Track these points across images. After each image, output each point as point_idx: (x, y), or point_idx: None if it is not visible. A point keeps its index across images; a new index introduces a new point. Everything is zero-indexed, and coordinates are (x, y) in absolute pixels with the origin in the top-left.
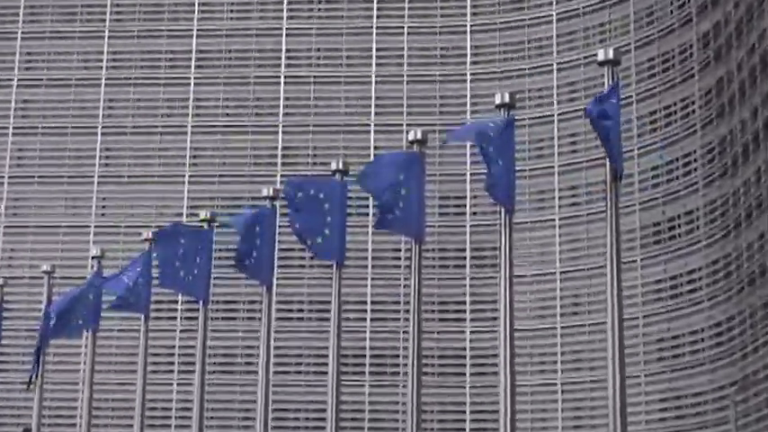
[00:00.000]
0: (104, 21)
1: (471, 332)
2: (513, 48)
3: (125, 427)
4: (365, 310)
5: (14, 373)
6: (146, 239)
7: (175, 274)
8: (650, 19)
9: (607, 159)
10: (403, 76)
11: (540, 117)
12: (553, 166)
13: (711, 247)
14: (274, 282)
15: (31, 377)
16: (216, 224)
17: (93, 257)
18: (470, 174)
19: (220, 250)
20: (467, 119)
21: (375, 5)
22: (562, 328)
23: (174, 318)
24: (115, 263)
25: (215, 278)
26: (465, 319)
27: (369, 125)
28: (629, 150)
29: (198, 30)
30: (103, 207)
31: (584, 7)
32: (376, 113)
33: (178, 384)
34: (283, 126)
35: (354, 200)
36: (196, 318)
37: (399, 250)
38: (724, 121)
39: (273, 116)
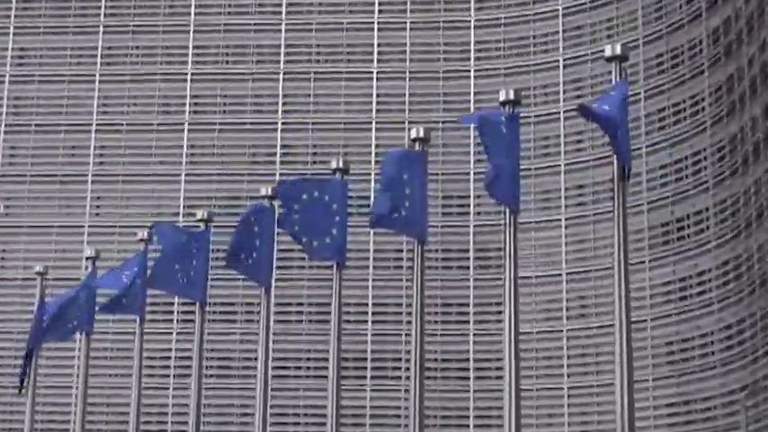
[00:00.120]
0: (99, 15)
1: (475, 335)
2: (517, 43)
3: None
4: (366, 313)
5: (7, 377)
6: (141, 239)
7: (170, 275)
8: (659, 14)
9: (614, 158)
10: (405, 72)
11: (545, 114)
12: (559, 165)
13: (721, 247)
14: (273, 283)
15: (22, 381)
16: (213, 224)
17: (87, 258)
18: (474, 173)
19: (218, 251)
20: None
21: (377, 0)
22: (568, 330)
23: (171, 320)
24: (110, 263)
25: (212, 279)
26: (468, 322)
27: (370, 122)
28: (637, 148)
29: (195, 25)
30: (98, 206)
31: (590, 2)
32: (377, 111)
33: (174, 388)
34: (282, 123)
35: (355, 199)
36: (193, 320)
37: (401, 251)
38: (734, 118)
39: (272, 113)
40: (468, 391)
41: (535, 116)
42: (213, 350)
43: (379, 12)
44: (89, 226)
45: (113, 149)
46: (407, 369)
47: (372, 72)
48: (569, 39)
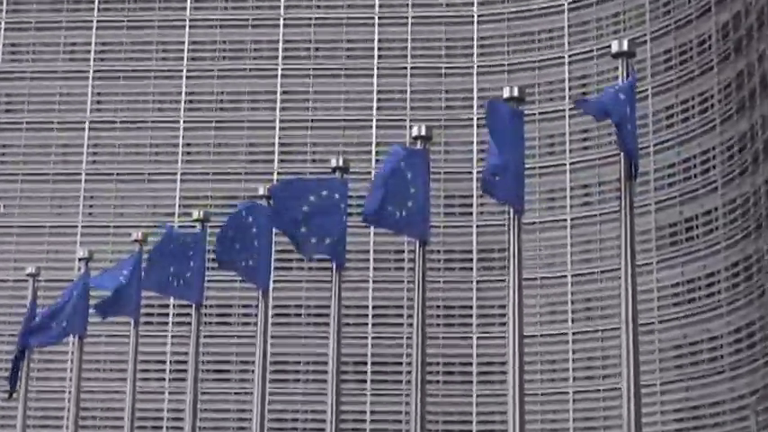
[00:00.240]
0: (92, 10)
1: (478, 338)
2: (522, 39)
3: None
4: (366, 315)
5: None
6: (136, 240)
7: (165, 276)
8: (667, 9)
9: (621, 156)
10: (406, 68)
11: (550, 112)
12: (564, 164)
13: (731, 248)
14: (271, 285)
15: (13, 386)
16: (210, 224)
17: (80, 259)
18: (477, 172)
19: (214, 251)
20: (473, 114)
21: None
22: (573, 333)
23: (166, 323)
24: (103, 265)
25: (208, 281)
26: (471, 325)
27: (370, 120)
28: (645, 147)
29: (191, 20)
30: (91, 206)
31: None
32: (378, 108)
33: (169, 393)
34: (280, 121)
35: (355, 199)
36: (188, 323)
37: (402, 252)
38: (744, 116)
39: (270, 111)
40: (471, 395)
41: (540, 113)
42: (209, 354)
43: (380, 6)
44: (82, 226)
45: (107, 147)
46: (409, 373)
47: (373, 68)
48: (575, 34)
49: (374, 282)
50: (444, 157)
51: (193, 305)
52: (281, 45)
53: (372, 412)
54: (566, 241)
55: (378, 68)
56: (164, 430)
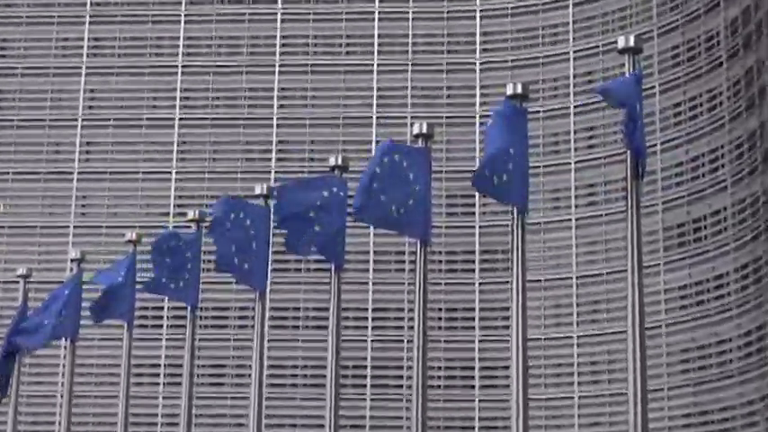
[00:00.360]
0: (85, 5)
1: (480, 341)
2: (525, 34)
3: None
4: (366, 318)
5: None
6: (130, 241)
7: (162, 278)
8: (674, 4)
9: (628, 155)
10: (407, 64)
11: (554, 109)
12: (569, 163)
13: (740, 250)
14: (268, 287)
15: (2, 391)
16: (205, 224)
17: (72, 260)
18: None
19: (209, 253)
20: (476, 111)
21: None
22: (579, 337)
23: (160, 326)
24: (96, 266)
25: (204, 283)
26: (474, 328)
27: (370, 117)
28: (652, 145)
29: (186, 14)
30: (83, 206)
31: None
32: (378, 105)
33: (164, 398)
34: (278, 119)
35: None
36: (183, 326)
37: (403, 253)
38: (754, 114)
39: (267, 108)
40: (474, 400)
41: (544, 111)
42: (205, 358)
43: (380, 0)
44: (74, 226)
45: (100, 146)
46: (409, 378)
47: (373, 64)
48: (580, 30)
49: (374, 283)
50: (446, 155)
51: (188, 307)
52: (278, 40)
53: (372, 417)
54: (570, 242)
55: (378, 64)
56: None
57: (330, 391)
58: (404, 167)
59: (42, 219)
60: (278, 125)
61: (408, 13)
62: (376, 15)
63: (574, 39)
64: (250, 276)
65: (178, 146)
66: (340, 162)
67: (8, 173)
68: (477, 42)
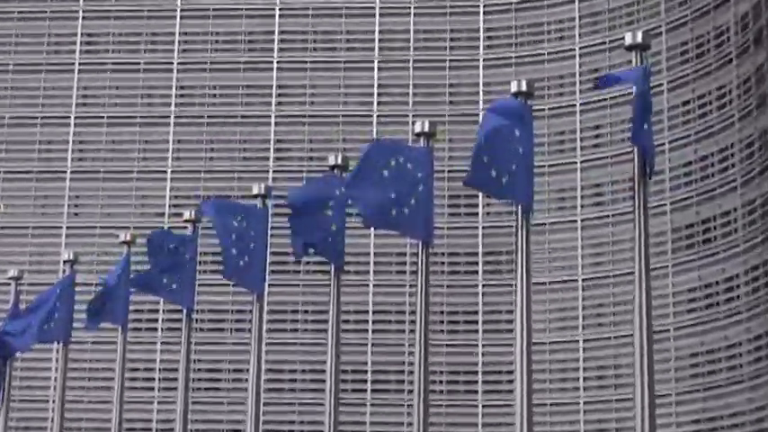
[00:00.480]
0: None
1: (484, 345)
2: (530, 30)
3: None
4: (366, 321)
5: None
6: (124, 241)
7: (157, 279)
8: None
9: (635, 154)
10: (409, 61)
11: (560, 107)
12: (575, 162)
13: (750, 251)
14: (266, 288)
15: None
16: (201, 225)
17: (65, 261)
18: None
19: (205, 254)
20: (479, 109)
21: None
22: (584, 340)
23: (155, 328)
24: (89, 267)
25: (200, 284)
26: (477, 331)
27: (371, 115)
28: (660, 144)
29: (181, 10)
30: (76, 206)
31: None
32: (379, 102)
33: (159, 402)
34: (276, 116)
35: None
36: (179, 328)
37: (405, 254)
38: (764, 112)
39: (265, 105)
40: (477, 405)
41: (549, 109)
42: (201, 361)
43: None
44: (67, 227)
45: (93, 144)
46: (411, 382)
47: (373, 61)
48: (586, 26)
49: (375, 285)
50: (449, 154)
51: (184, 310)
52: (276, 36)
53: (372, 423)
54: (576, 243)
55: (379, 61)
56: None
57: (329, 395)
58: (408, 168)
59: (34, 219)
60: (276, 123)
61: (410, 8)
62: (377, 10)
63: (580, 35)
64: (248, 277)
65: (173, 144)
66: (340, 161)
67: None
68: (481, 38)
